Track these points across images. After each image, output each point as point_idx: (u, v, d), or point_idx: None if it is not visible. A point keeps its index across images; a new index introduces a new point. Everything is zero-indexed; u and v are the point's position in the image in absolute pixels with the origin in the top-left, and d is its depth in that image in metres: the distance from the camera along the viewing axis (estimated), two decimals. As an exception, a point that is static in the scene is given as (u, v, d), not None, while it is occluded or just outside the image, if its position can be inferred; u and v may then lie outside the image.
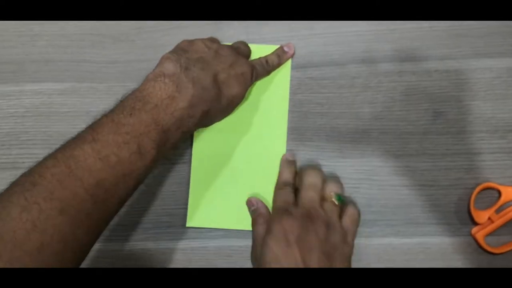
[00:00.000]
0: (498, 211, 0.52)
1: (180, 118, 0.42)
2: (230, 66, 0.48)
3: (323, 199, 0.49)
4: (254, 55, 0.55)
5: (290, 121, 0.55)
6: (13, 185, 0.37)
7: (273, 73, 0.55)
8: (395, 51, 0.55)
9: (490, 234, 0.52)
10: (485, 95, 0.54)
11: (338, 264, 0.45)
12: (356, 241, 0.49)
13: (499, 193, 0.52)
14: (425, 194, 0.53)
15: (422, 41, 0.55)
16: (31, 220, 0.35)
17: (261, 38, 0.56)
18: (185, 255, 0.53)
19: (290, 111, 0.55)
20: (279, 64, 0.55)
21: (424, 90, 0.54)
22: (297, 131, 0.55)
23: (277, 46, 0.55)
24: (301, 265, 0.43)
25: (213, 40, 0.52)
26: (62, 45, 0.57)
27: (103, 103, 0.56)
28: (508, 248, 0.51)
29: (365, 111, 0.54)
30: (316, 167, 0.53)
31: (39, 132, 0.56)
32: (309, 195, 0.49)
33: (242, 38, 0.56)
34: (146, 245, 0.53)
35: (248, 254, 0.52)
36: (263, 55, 0.55)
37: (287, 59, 0.55)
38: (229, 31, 0.56)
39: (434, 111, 0.54)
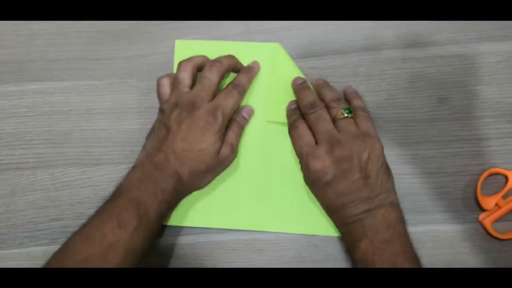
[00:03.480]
0: (505, 196, 0.51)
1: (152, 192, 0.47)
2: (183, 138, 0.48)
3: (334, 119, 0.50)
4: (250, 54, 0.54)
5: (293, 112, 0.54)
6: None
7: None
8: (398, 37, 0.54)
9: (498, 220, 0.51)
10: (490, 79, 0.53)
11: (374, 167, 0.47)
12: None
13: (506, 178, 0.52)
14: (432, 181, 0.53)
15: (425, 26, 0.54)
16: None
17: (262, 29, 0.56)
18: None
19: (293, 102, 0.54)
20: (249, 81, 0.53)
21: (428, 76, 0.54)
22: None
23: (276, 44, 0.54)
24: (346, 190, 0.46)
25: (179, 104, 0.50)
26: (61, 43, 0.57)
27: (105, 101, 0.56)
28: (516, 234, 0.51)
29: (369, 99, 0.54)
30: (307, 89, 0.52)
31: (42, 132, 0.56)
32: (321, 127, 0.49)
33: (242, 30, 0.55)
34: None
35: (251, 246, 0.52)
36: (262, 53, 0.54)
37: (256, 73, 0.54)
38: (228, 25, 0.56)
39: (439, 97, 0.53)
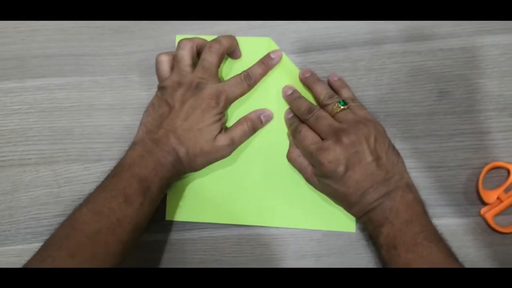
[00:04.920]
0: (507, 190, 0.51)
1: (153, 168, 0.48)
2: (185, 117, 0.49)
3: (332, 114, 0.50)
4: (243, 48, 0.54)
5: (294, 107, 0.54)
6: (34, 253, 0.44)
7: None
8: (398, 31, 0.54)
9: (500, 213, 0.51)
10: (491, 72, 0.53)
11: (382, 149, 0.48)
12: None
13: (508, 172, 0.52)
14: (433, 175, 0.52)
15: (425, 20, 0.54)
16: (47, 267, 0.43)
17: (262, 23, 0.56)
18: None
19: (294, 97, 0.54)
20: (263, 74, 0.53)
21: (429, 70, 0.53)
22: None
23: (267, 38, 0.54)
24: (363, 176, 0.47)
25: (182, 84, 0.50)
26: (62, 39, 0.57)
27: (106, 96, 0.56)
28: (518, 228, 0.51)
29: (369, 94, 0.54)
30: (299, 98, 0.53)
31: (44, 128, 0.56)
32: (323, 125, 0.49)
33: (242, 25, 0.55)
34: (155, 236, 0.54)
35: (254, 241, 0.52)
36: (252, 48, 0.54)
37: (273, 66, 0.54)
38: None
39: (440, 91, 0.53)
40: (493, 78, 0.53)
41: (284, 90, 0.54)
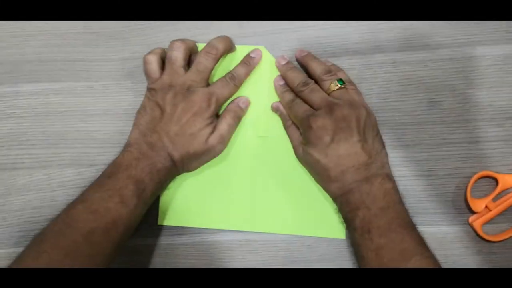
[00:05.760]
0: (495, 199, 0.52)
1: (149, 172, 0.48)
2: (177, 121, 0.49)
3: (328, 91, 0.51)
4: (237, 56, 0.55)
5: (285, 114, 0.54)
6: (27, 245, 0.45)
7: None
8: (389, 41, 0.55)
9: (488, 222, 0.52)
10: (480, 83, 0.54)
11: (370, 135, 0.49)
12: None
13: (496, 181, 0.52)
14: (422, 184, 0.53)
15: (416, 30, 0.55)
16: (43, 265, 0.43)
17: (254, 31, 0.56)
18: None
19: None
20: (247, 73, 0.54)
21: (419, 80, 0.54)
22: (293, 125, 0.54)
23: (261, 47, 0.55)
24: (346, 153, 0.47)
25: (173, 86, 0.51)
26: (56, 44, 0.57)
27: (100, 102, 0.56)
28: (505, 236, 0.51)
29: (360, 102, 0.54)
30: (294, 69, 0.53)
31: (38, 132, 0.56)
32: (318, 97, 0.50)
33: (235, 32, 0.56)
34: (147, 241, 0.54)
35: (245, 247, 0.53)
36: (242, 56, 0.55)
37: (255, 64, 0.55)
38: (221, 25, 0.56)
39: (430, 100, 0.54)
40: (482, 89, 0.54)
41: (278, 59, 0.54)
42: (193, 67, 0.52)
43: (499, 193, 0.52)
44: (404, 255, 0.44)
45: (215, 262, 0.53)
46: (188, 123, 0.50)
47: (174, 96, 0.50)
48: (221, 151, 0.53)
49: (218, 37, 0.54)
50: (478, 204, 0.52)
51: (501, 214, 0.52)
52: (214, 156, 0.53)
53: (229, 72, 0.54)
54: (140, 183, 0.48)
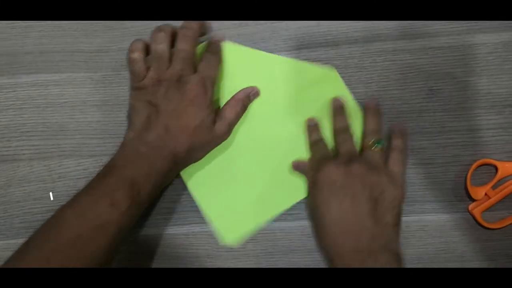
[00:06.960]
0: (494, 187, 0.52)
1: (147, 173, 0.47)
2: (177, 116, 0.48)
3: (363, 148, 0.50)
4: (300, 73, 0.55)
5: (285, 104, 0.55)
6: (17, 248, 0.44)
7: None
8: (389, 29, 0.55)
9: (487, 210, 0.52)
10: (480, 70, 0.54)
11: (385, 207, 0.46)
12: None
13: (496, 169, 0.52)
14: (422, 172, 0.53)
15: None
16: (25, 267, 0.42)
17: (254, 22, 0.56)
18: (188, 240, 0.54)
19: (285, 94, 0.55)
20: (221, 39, 0.54)
21: (419, 68, 0.54)
22: (293, 114, 0.55)
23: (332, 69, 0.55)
24: (350, 212, 0.46)
25: (163, 81, 0.50)
26: (55, 35, 0.57)
27: (99, 93, 0.56)
28: (505, 224, 0.52)
29: (360, 91, 0.54)
30: (344, 115, 0.53)
31: (37, 124, 0.56)
32: (346, 147, 0.50)
33: (235, 32, 0.56)
34: (148, 231, 0.54)
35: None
36: (309, 75, 0.54)
37: (222, 36, 0.54)
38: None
39: (430, 88, 0.54)
40: (482, 76, 0.54)
41: (335, 100, 0.53)
42: (176, 57, 0.50)
43: (498, 181, 0.52)
44: None
45: (215, 252, 0.54)
46: (190, 115, 0.48)
47: (166, 91, 0.49)
48: (228, 137, 0.52)
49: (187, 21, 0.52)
50: (477, 192, 0.52)
51: (500, 201, 0.52)
52: (221, 143, 0.52)
53: (205, 51, 0.53)
54: (134, 185, 0.46)
